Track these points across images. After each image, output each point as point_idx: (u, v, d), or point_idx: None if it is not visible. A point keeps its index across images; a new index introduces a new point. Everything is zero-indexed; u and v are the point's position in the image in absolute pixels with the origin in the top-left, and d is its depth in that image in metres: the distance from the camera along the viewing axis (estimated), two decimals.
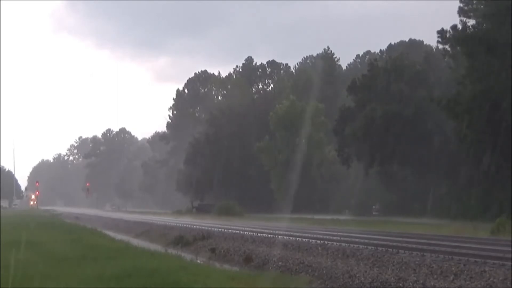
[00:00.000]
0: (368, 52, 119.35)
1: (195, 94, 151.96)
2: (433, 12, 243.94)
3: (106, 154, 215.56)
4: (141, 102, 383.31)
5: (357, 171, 79.30)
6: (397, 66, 74.52)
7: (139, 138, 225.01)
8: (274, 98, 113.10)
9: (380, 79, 73.80)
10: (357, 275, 18.16)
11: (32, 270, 16.42)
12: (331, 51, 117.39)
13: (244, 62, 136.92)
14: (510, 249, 19.18)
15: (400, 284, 16.43)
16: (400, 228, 37.09)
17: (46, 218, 68.56)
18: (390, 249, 20.73)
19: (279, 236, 29.47)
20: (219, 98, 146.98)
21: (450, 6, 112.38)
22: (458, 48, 59.21)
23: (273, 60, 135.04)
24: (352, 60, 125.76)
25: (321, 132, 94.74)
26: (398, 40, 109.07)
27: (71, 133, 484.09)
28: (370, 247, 21.82)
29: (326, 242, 25.03)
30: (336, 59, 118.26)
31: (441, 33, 60.35)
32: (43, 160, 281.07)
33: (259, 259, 24.21)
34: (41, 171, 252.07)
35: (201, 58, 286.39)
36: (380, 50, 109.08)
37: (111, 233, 42.49)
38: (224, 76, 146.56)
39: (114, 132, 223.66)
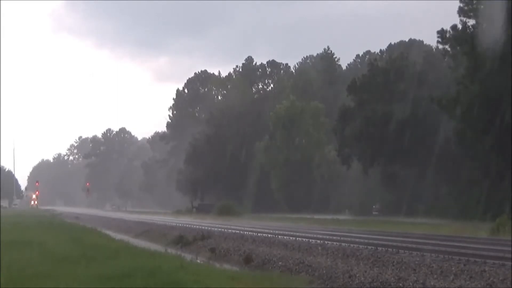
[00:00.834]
0: (368, 52, 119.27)
1: (195, 94, 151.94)
2: (433, 12, 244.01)
3: (106, 154, 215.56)
4: (141, 102, 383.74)
5: (357, 171, 79.22)
6: (397, 66, 74.48)
7: (139, 138, 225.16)
8: (274, 98, 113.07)
9: (380, 79, 73.77)
10: (357, 275, 18.16)
11: (32, 270, 16.44)
12: (331, 51, 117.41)
13: (244, 62, 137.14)
14: (510, 249, 19.19)
15: (400, 284, 16.43)
16: (400, 228, 37.08)
17: (46, 218, 68.57)
18: (390, 249, 20.75)
19: (279, 236, 29.50)
20: (219, 98, 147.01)
21: (450, 6, 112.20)
22: (458, 48, 59.20)
23: (273, 60, 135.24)
24: (352, 60, 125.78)
25: (321, 132, 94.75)
26: (398, 40, 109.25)
27: (71, 133, 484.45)
28: (370, 247, 21.83)
29: (326, 242, 25.06)
30: (336, 59, 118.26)
31: (441, 33, 60.34)
32: (43, 160, 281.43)
33: (259, 259, 24.20)
34: (41, 171, 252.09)
35: (201, 58, 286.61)
36: (380, 50, 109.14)
37: (111, 233, 42.50)
38: (224, 76, 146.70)
39: (114, 132, 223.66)
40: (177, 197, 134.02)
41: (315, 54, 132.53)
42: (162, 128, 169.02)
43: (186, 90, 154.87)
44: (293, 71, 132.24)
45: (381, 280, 17.12)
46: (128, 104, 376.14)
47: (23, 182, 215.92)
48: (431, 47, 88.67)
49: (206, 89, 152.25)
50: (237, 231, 34.41)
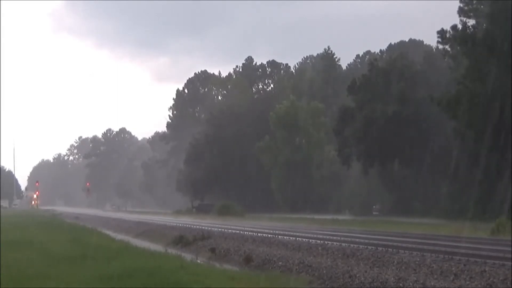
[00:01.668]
0: (368, 52, 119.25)
1: (195, 94, 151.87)
2: (433, 12, 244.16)
3: (106, 154, 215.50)
4: (141, 102, 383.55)
5: (357, 171, 79.26)
6: (397, 66, 74.50)
7: (139, 138, 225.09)
8: (274, 98, 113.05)
9: (380, 79, 73.80)
10: (357, 275, 18.16)
11: (32, 270, 16.45)
12: (331, 51, 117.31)
13: (244, 62, 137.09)
14: (510, 249, 19.18)
15: (400, 284, 16.43)
16: (400, 228, 37.08)
17: (46, 218, 68.57)
18: (390, 249, 20.75)
19: (279, 236, 29.49)
20: (219, 98, 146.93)
21: (450, 6, 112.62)
22: (458, 48, 59.20)
23: (273, 60, 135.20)
24: (352, 60, 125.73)
25: (321, 132, 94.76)
26: (398, 40, 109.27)
27: (71, 133, 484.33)
28: (370, 247, 21.83)
29: (326, 242, 25.04)
30: (336, 59, 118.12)
31: (441, 33, 60.32)
32: (43, 160, 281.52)
33: (259, 259, 24.20)
34: (41, 171, 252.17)
35: (201, 58, 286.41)
36: (380, 50, 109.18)
37: (111, 233, 42.51)
38: (224, 76, 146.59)
39: (114, 132, 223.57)
40: (177, 197, 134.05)
41: (315, 54, 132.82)
42: (162, 128, 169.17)
43: (186, 90, 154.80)
44: (293, 71, 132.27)
45: (381, 280, 17.12)
46: (128, 104, 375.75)
47: (23, 182, 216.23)
48: (431, 47, 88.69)
49: (206, 89, 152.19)
50: (237, 231, 34.40)
